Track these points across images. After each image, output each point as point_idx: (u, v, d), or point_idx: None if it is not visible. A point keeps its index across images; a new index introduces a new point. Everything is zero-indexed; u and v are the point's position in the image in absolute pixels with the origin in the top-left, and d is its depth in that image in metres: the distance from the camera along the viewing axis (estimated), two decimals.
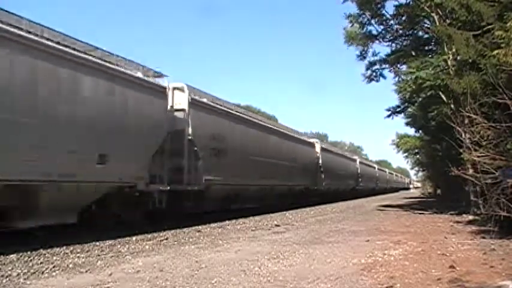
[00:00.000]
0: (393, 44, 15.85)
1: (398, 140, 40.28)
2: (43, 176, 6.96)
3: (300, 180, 20.39)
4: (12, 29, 6.83)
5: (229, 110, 14.40)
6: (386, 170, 62.33)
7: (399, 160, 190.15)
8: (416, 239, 7.99)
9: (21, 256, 6.04)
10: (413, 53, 14.40)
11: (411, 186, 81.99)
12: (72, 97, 7.64)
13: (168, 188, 10.21)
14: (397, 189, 65.94)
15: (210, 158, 11.97)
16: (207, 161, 11.76)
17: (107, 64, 8.80)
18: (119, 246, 7.31)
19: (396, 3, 14.62)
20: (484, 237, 7.90)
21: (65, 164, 7.38)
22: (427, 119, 18.21)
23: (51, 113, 7.16)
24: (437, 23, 12.36)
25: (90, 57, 8.43)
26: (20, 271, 5.10)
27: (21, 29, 7.13)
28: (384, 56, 15.94)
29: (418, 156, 40.00)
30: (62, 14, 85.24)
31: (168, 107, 10.63)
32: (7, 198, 6.66)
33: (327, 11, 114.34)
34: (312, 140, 24.91)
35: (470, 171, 9.60)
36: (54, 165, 7.16)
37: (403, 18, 14.80)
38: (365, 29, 15.37)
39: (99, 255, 6.35)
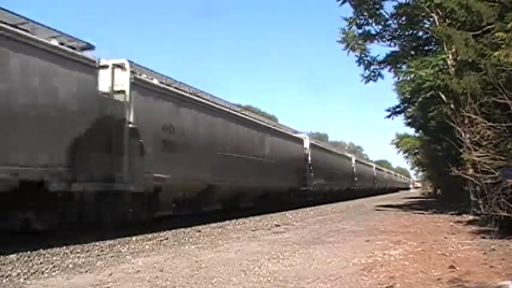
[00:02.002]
0: (392, 44, 15.83)
1: (398, 140, 40.24)
2: None
3: (282, 180, 18.13)
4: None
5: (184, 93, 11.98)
6: (385, 169, 60.93)
7: (399, 160, 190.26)
8: (416, 239, 7.99)
9: (21, 256, 6.04)
10: (413, 53, 14.38)
11: (411, 186, 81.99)
12: None
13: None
14: (397, 190, 65.80)
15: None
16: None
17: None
18: (119, 246, 7.31)
19: (395, 3, 14.61)
20: (484, 237, 7.90)
21: None
22: (427, 119, 18.20)
23: None
24: (437, 23, 12.35)
25: None
26: (20, 271, 5.10)
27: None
28: (383, 57, 15.91)
29: (418, 156, 39.94)
30: (61, 13, 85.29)
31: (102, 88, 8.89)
32: None
33: (327, 11, 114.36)
34: (299, 135, 22.42)
35: (470, 171, 9.60)
36: None
37: (403, 18, 14.75)
38: (363, 29, 15.33)
39: (99, 255, 6.35)
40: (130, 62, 9.71)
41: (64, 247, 6.85)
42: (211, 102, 13.71)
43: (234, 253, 6.57)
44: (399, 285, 4.40)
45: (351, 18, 15.01)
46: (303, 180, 20.90)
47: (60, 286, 4.52)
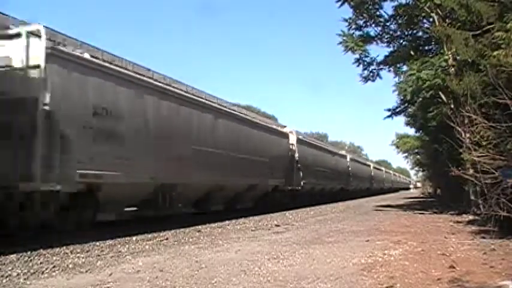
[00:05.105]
0: (391, 45, 15.82)
1: (398, 140, 40.21)
2: None
3: (263, 178, 16.35)
4: None
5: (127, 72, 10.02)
6: (384, 169, 59.95)
7: (399, 160, 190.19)
8: (416, 239, 7.98)
9: (21, 256, 6.03)
10: (413, 53, 14.37)
11: (411, 186, 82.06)
12: None
13: None
14: (396, 190, 65.67)
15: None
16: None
17: None
18: (119, 246, 7.31)
19: (395, 3, 14.60)
20: (484, 237, 7.90)
21: None
22: (427, 119, 18.20)
23: None
24: (437, 23, 12.35)
25: None
26: (20, 271, 5.09)
27: None
28: (382, 58, 15.88)
29: (418, 156, 39.92)
30: (61, 14, 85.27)
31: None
32: None
33: (327, 11, 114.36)
34: (284, 129, 20.43)
35: (470, 171, 9.60)
36: None
37: (402, 18, 14.74)
38: (362, 31, 15.31)
39: (99, 255, 6.35)
40: (49, 29, 7.88)
41: (64, 247, 6.85)
42: (168, 85, 11.80)
43: (234, 253, 6.56)
44: (399, 285, 4.40)
45: (350, 19, 15.00)
46: (290, 179, 18.93)
47: (60, 286, 4.52)
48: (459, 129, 9.74)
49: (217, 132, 13.26)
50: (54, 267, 5.42)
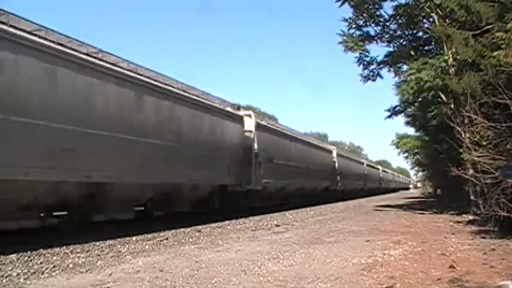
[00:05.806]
0: (391, 45, 15.80)
1: (397, 140, 40.08)
2: None
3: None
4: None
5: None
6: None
7: (399, 160, 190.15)
8: (416, 239, 7.99)
9: (21, 256, 6.04)
10: (413, 53, 14.36)
11: (411, 186, 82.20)
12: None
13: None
14: (398, 189, 67.06)
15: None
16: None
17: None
18: (119, 246, 7.31)
19: (395, 3, 14.57)
20: (484, 237, 7.90)
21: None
22: (427, 119, 18.18)
23: None
24: (437, 23, 12.34)
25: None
26: (20, 271, 5.09)
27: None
28: (382, 58, 15.85)
29: (418, 156, 39.83)
30: (61, 14, 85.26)
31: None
32: None
33: (327, 11, 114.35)
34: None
35: (470, 171, 9.59)
36: None
37: (402, 18, 14.72)
38: (362, 30, 15.28)
39: (99, 255, 6.35)
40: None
41: (64, 247, 6.85)
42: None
43: (234, 253, 6.57)
44: (399, 285, 4.40)
45: (350, 18, 14.99)
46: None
47: (60, 286, 4.52)
48: (459, 129, 9.73)
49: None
50: (54, 267, 5.42)
